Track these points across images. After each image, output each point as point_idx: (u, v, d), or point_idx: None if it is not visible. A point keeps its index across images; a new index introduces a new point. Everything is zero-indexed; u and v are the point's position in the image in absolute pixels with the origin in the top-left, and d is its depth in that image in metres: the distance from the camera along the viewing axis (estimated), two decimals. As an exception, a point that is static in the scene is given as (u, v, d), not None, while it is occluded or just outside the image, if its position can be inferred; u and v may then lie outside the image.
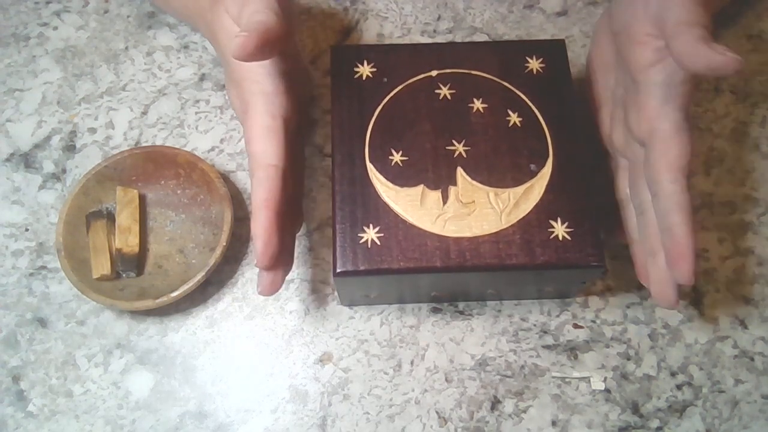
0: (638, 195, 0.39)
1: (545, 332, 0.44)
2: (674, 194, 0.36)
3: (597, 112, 0.44)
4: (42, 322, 0.44)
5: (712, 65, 0.33)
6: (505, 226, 0.38)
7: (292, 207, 0.40)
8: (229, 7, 0.39)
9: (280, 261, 0.37)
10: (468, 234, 0.38)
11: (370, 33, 0.53)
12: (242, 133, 0.49)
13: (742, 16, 0.54)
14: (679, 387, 0.42)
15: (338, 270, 0.37)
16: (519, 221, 0.38)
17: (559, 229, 0.38)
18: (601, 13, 0.45)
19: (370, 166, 0.39)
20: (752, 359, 0.43)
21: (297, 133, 0.41)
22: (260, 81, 0.38)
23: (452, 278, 0.39)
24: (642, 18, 0.38)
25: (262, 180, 0.36)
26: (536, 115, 0.41)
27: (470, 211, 0.38)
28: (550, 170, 0.39)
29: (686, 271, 0.35)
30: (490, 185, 0.39)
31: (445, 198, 0.39)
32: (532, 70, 0.42)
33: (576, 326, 0.44)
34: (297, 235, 0.46)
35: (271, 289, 0.37)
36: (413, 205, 0.38)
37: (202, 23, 0.45)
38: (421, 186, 0.39)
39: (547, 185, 0.39)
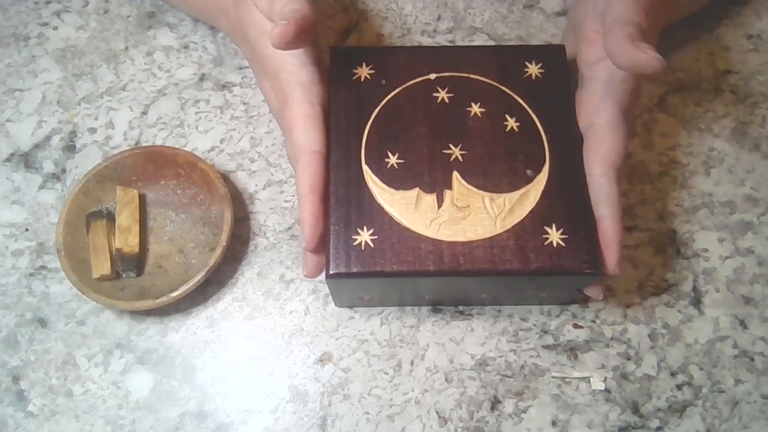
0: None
1: (545, 332, 0.44)
2: (602, 187, 0.38)
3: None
4: (42, 322, 0.44)
5: (634, 62, 0.35)
6: (499, 231, 0.38)
7: None
8: (258, 2, 0.40)
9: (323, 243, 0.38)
10: (462, 238, 0.37)
11: (370, 33, 0.53)
12: (241, 133, 0.49)
13: (742, 16, 0.54)
14: (679, 387, 0.42)
15: (331, 271, 0.37)
16: (514, 227, 0.38)
17: (554, 236, 0.38)
18: (568, 14, 0.46)
19: (365, 168, 0.39)
20: (752, 359, 0.43)
21: None
22: (296, 71, 0.40)
23: (446, 282, 0.39)
24: (591, 15, 0.40)
25: (307, 166, 0.38)
26: (534, 121, 0.41)
27: (465, 215, 0.38)
28: (546, 176, 0.39)
29: (611, 262, 0.37)
30: (486, 190, 0.39)
31: (440, 202, 0.38)
32: (531, 75, 0.42)
33: (576, 326, 0.44)
34: (295, 234, 0.46)
35: (317, 271, 0.39)
36: (408, 208, 0.38)
37: (224, 21, 0.46)
38: (417, 189, 0.39)
39: (543, 191, 0.39)
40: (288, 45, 0.36)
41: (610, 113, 0.39)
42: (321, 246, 0.38)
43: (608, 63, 0.38)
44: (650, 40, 0.37)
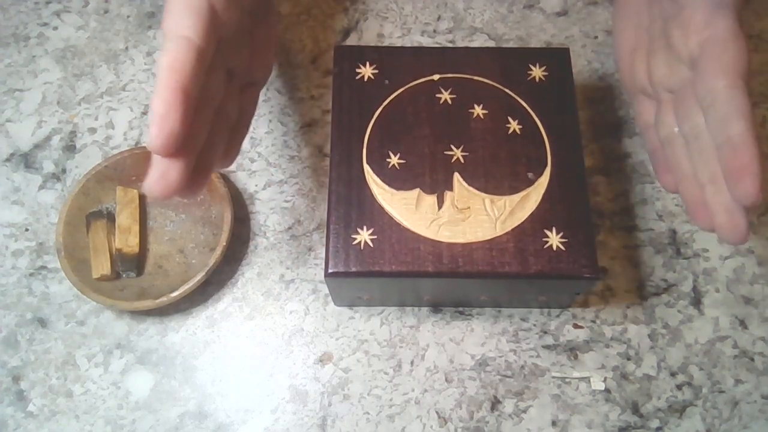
0: (689, 119, 0.36)
1: (545, 332, 0.44)
2: (733, 100, 0.33)
3: (630, 58, 0.42)
4: (42, 322, 0.44)
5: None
6: (499, 234, 0.38)
7: (222, 127, 0.37)
8: None
9: (182, 156, 0.31)
10: (462, 240, 0.37)
11: (370, 33, 0.53)
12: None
13: (742, 16, 0.53)
14: (679, 387, 0.42)
15: (330, 270, 0.37)
16: (514, 229, 0.38)
17: (554, 239, 0.38)
18: None
19: (367, 168, 0.39)
20: (752, 359, 0.43)
21: (239, 40, 0.37)
22: None
23: (444, 283, 0.39)
24: None
25: (169, 50, 0.31)
26: (536, 124, 0.41)
27: (465, 217, 0.38)
28: (547, 179, 0.39)
29: (751, 187, 0.31)
30: (487, 192, 0.39)
31: (440, 203, 0.38)
32: (534, 77, 0.42)
33: (576, 326, 0.44)
34: (295, 234, 0.46)
35: (161, 185, 0.31)
36: (408, 209, 0.38)
37: None
38: (417, 190, 0.39)
39: (544, 194, 0.39)
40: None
41: (726, 23, 0.34)
42: (171, 149, 0.30)
43: None
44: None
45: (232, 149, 0.39)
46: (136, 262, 0.44)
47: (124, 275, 0.44)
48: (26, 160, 0.49)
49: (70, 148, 0.49)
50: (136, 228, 0.45)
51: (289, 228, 0.47)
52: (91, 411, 0.42)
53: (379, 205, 0.38)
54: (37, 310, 0.44)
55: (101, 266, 0.43)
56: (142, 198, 0.46)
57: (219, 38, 0.34)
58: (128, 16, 0.54)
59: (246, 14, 0.38)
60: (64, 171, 0.48)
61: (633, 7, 0.43)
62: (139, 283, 0.44)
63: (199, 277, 0.42)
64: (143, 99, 0.51)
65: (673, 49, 0.38)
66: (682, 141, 0.38)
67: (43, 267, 0.46)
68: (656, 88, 0.40)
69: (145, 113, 0.50)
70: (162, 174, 0.31)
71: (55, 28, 0.53)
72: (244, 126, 0.40)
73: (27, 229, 0.47)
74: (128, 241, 0.44)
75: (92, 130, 0.50)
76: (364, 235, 0.37)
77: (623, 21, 0.44)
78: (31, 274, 0.45)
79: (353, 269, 0.37)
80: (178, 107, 0.30)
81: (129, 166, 0.46)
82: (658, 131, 0.40)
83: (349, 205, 0.38)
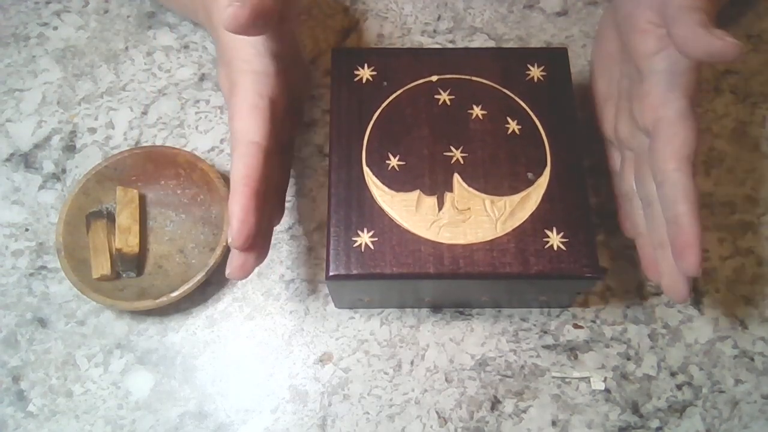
0: (644, 186, 0.39)
1: (545, 332, 0.44)
2: (679, 183, 0.35)
3: (601, 105, 0.44)
4: (42, 322, 0.44)
5: (711, 51, 0.33)
6: (500, 234, 0.38)
7: (273, 196, 0.40)
8: None
9: (255, 245, 0.36)
10: (462, 241, 0.37)
11: (370, 33, 0.53)
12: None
13: (742, 16, 0.54)
14: (679, 387, 0.42)
15: (331, 273, 0.37)
16: (514, 230, 0.38)
17: (555, 239, 0.38)
18: (605, 7, 0.45)
19: (366, 170, 0.39)
20: (752, 359, 0.43)
21: (286, 121, 0.40)
22: (250, 60, 0.38)
23: (446, 285, 0.39)
24: (644, 6, 0.38)
25: (243, 156, 0.36)
26: (535, 124, 0.41)
27: (465, 218, 0.38)
28: (547, 179, 0.39)
29: (693, 263, 0.34)
30: (487, 193, 0.39)
31: (440, 204, 0.38)
32: (533, 78, 0.42)
33: (576, 326, 0.44)
34: (295, 235, 0.46)
35: (241, 273, 0.36)
36: (408, 211, 0.38)
37: (201, 10, 0.44)
38: (417, 191, 0.39)
39: (544, 194, 0.39)
40: (240, 29, 0.33)
41: (678, 104, 0.36)
42: (249, 244, 0.35)
43: (669, 53, 0.36)
44: (713, 21, 0.34)
45: (280, 204, 0.43)
46: (136, 262, 0.44)
47: (124, 275, 0.44)
48: (26, 160, 0.49)
49: (70, 148, 0.49)
50: (136, 228, 0.45)
51: (289, 228, 0.47)
52: (91, 411, 0.42)
53: (379, 207, 0.38)
54: (37, 310, 0.44)
55: (101, 266, 0.43)
56: (142, 198, 0.46)
57: (279, 130, 0.38)
58: (128, 16, 0.54)
59: (294, 95, 0.41)
60: (64, 171, 0.48)
61: (608, 57, 0.44)
62: (139, 283, 0.44)
63: (199, 277, 0.42)
64: (143, 99, 0.51)
65: (634, 115, 0.39)
66: (639, 201, 0.40)
67: (43, 267, 0.46)
68: (620, 144, 0.42)
69: (145, 113, 0.50)
70: (242, 264, 0.36)
71: (55, 28, 0.53)
72: (287, 181, 0.44)
73: (27, 229, 0.47)
74: (128, 241, 0.44)
75: (92, 130, 0.50)
76: (364, 238, 0.37)
77: (599, 68, 0.45)
78: (31, 274, 0.45)
79: (354, 272, 0.37)
80: (254, 211, 0.35)
81: (129, 166, 0.46)
82: (620, 183, 0.42)
83: (349, 207, 0.38)
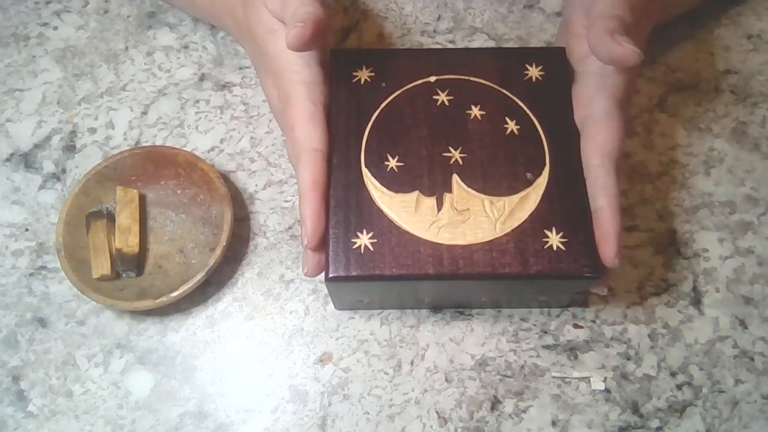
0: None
1: (545, 332, 0.44)
2: (599, 177, 0.38)
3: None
4: (42, 322, 0.44)
5: (612, 55, 0.37)
6: (499, 235, 0.38)
7: None
8: (269, 2, 0.40)
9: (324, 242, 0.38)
10: (462, 242, 0.37)
11: (370, 33, 0.53)
12: (241, 133, 0.49)
13: (742, 16, 0.54)
14: (679, 387, 0.42)
15: (330, 275, 0.37)
16: (513, 230, 0.38)
17: (554, 239, 0.38)
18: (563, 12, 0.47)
19: (365, 171, 0.39)
20: (752, 359, 0.43)
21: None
22: (300, 71, 0.40)
23: (445, 286, 0.39)
24: (578, 11, 0.42)
25: (309, 163, 0.38)
26: (534, 124, 0.41)
27: (465, 218, 0.38)
28: (546, 179, 0.39)
29: (610, 254, 0.37)
30: (486, 193, 0.39)
31: (439, 205, 0.38)
32: (531, 77, 0.42)
33: (576, 326, 0.44)
34: (295, 235, 0.46)
35: (317, 270, 0.38)
36: (407, 212, 0.38)
37: (230, 20, 0.46)
38: (416, 192, 0.39)
39: (543, 194, 0.39)
40: (303, 46, 0.37)
41: (603, 104, 0.39)
42: (322, 244, 0.38)
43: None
44: (637, 36, 0.37)
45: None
46: (136, 262, 0.44)
47: (124, 275, 0.44)
48: (26, 160, 0.49)
49: (70, 148, 0.49)
50: (136, 228, 0.45)
51: (289, 228, 0.47)
52: (91, 411, 0.42)
53: (379, 209, 0.38)
54: (37, 310, 0.44)
55: (101, 266, 0.43)
56: (142, 198, 0.46)
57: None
58: (128, 16, 0.54)
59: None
60: (64, 171, 0.48)
61: (561, 42, 0.45)
62: (139, 283, 0.44)
63: (199, 277, 0.42)
64: (143, 99, 0.51)
65: (575, 112, 0.41)
66: None
67: (43, 267, 0.46)
68: None
69: (145, 113, 0.50)
70: (317, 263, 0.38)
71: (55, 28, 0.53)
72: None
73: (27, 229, 0.47)
74: (128, 241, 0.44)
75: (92, 130, 0.50)
76: (363, 239, 0.37)
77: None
78: (31, 274, 0.45)
79: (354, 273, 0.37)
80: (323, 214, 0.38)
81: (129, 166, 0.46)
82: None
83: (348, 208, 0.38)
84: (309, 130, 0.39)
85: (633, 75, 0.41)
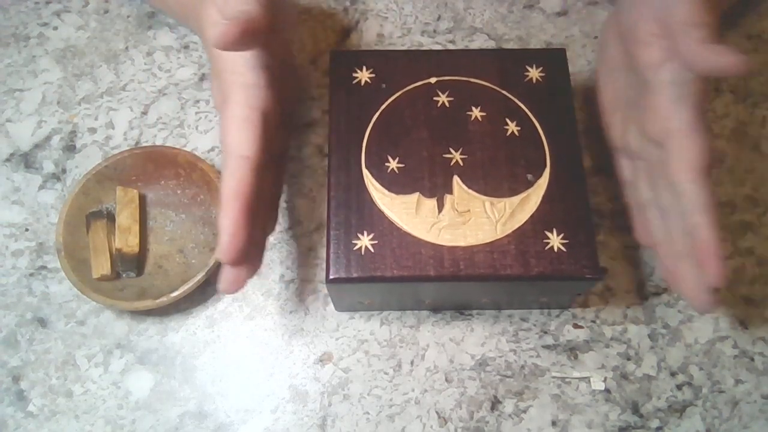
0: (661, 197, 0.39)
1: (545, 332, 0.44)
2: (694, 195, 0.35)
3: (609, 114, 0.43)
4: (42, 322, 0.44)
5: (715, 67, 0.33)
6: (500, 236, 0.38)
7: (266, 206, 0.40)
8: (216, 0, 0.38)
9: (247, 258, 0.36)
10: (463, 243, 0.37)
11: (370, 33, 0.53)
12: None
13: (743, 16, 0.54)
14: (679, 387, 0.42)
15: (331, 276, 0.37)
16: (514, 231, 0.38)
17: (555, 240, 0.38)
18: (607, 16, 0.45)
19: (366, 173, 0.39)
20: (752, 359, 0.43)
21: (279, 131, 0.40)
22: (241, 73, 0.37)
23: (446, 287, 0.39)
24: (646, 18, 0.38)
25: (233, 171, 0.36)
26: (534, 125, 0.41)
27: (465, 220, 0.38)
28: (547, 181, 0.39)
29: (715, 273, 0.34)
30: (486, 194, 0.39)
31: (440, 206, 0.38)
32: (531, 79, 0.42)
33: (576, 326, 0.44)
34: (295, 234, 0.46)
35: (234, 287, 0.36)
36: (408, 213, 0.38)
37: (193, 18, 0.44)
38: (417, 194, 0.39)
39: (544, 196, 0.39)
40: (229, 45, 0.34)
41: (686, 116, 0.36)
42: (240, 259, 0.35)
43: (673, 64, 0.36)
44: (716, 34, 0.35)
45: (273, 214, 0.43)
46: (136, 262, 0.44)
47: (124, 275, 0.44)
48: (26, 160, 0.49)
49: (70, 148, 0.49)
50: (136, 228, 0.45)
51: (289, 228, 0.47)
52: (91, 411, 0.42)
53: (379, 210, 0.38)
54: (37, 310, 0.44)
55: (101, 266, 0.43)
56: (142, 198, 0.46)
57: (271, 142, 0.38)
58: (128, 16, 0.54)
59: (286, 105, 0.41)
60: (64, 171, 0.48)
61: (612, 66, 0.43)
62: (139, 283, 0.44)
63: (199, 277, 0.42)
64: (143, 99, 0.51)
65: (643, 126, 0.39)
66: (654, 211, 0.40)
67: (43, 267, 0.46)
68: (631, 154, 0.42)
69: (145, 113, 0.50)
70: (234, 279, 0.36)
71: (55, 28, 0.53)
72: (280, 190, 0.44)
73: (27, 229, 0.47)
74: (128, 241, 0.44)
75: (92, 130, 0.50)
76: (364, 241, 0.37)
77: (604, 77, 0.44)
78: (31, 274, 0.45)
79: (355, 275, 0.37)
80: (245, 226, 0.35)
81: (129, 166, 0.46)
82: (635, 193, 0.42)
83: (348, 210, 0.38)
84: (239, 136, 0.36)
85: (709, 83, 0.39)
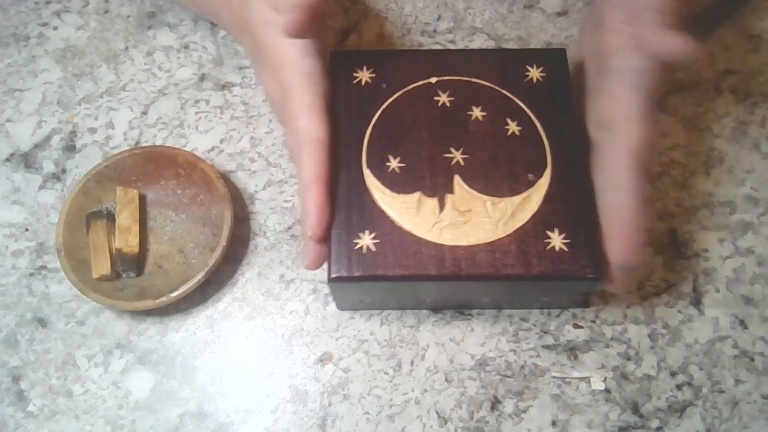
0: (597, 178, 0.39)
1: (545, 332, 0.44)
2: (626, 179, 0.37)
3: (582, 103, 0.43)
4: (42, 322, 0.44)
5: (671, 51, 0.35)
6: (501, 236, 0.38)
7: None
8: None
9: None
10: (464, 243, 0.37)
11: (370, 33, 0.53)
12: (241, 133, 0.49)
13: (742, 16, 0.54)
14: (679, 387, 0.42)
15: (332, 275, 0.37)
16: (515, 231, 0.38)
17: (556, 240, 0.37)
18: (588, 7, 0.46)
19: (366, 172, 0.39)
20: (752, 359, 0.43)
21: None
22: (299, 62, 0.39)
23: (447, 287, 0.39)
24: (615, 5, 0.40)
25: (311, 153, 0.38)
26: (535, 125, 0.40)
27: (467, 219, 0.38)
28: (548, 180, 0.39)
29: (631, 252, 0.36)
30: (487, 194, 0.39)
31: (441, 206, 0.38)
32: (532, 78, 0.42)
33: (576, 326, 0.44)
34: (295, 234, 0.46)
35: (319, 262, 0.38)
36: (409, 213, 0.38)
37: (226, 14, 0.45)
38: (418, 193, 0.39)
39: (545, 195, 0.39)
40: (300, 33, 0.37)
41: (639, 102, 0.37)
42: (326, 236, 0.37)
43: (634, 52, 0.37)
44: (681, 22, 0.36)
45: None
46: (136, 262, 0.44)
47: (124, 275, 0.44)
48: (26, 160, 0.49)
49: (70, 148, 0.49)
50: (136, 228, 0.45)
51: (289, 228, 0.47)
52: (91, 411, 0.42)
53: (380, 210, 0.38)
54: (37, 310, 0.44)
55: (101, 266, 0.43)
56: (142, 198, 0.46)
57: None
58: (128, 16, 0.54)
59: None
60: (64, 171, 0.48)
61: (587, 54, 0.43)
62: (139, 283, 0.44)
63: (199, 277, 0.42)
64: (143, 99, 0.51)
65: (599, 110, 0.40)
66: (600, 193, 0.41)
67: (43, 267, 0.46)
68: (592, 138, 0.42)
69: (145, 113, 0.50)
70: (318, 255, 0.38)
71: (55, 28, 0.53)
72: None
73: (27, 229, 0.47)
74: (128, 241, 0.44)
75: (92, 130, 0.50)
76: (366, 240, 0.37)
77: (579, 66, 0.44)
78: (31, 274, 0.45)
79: (356, 274, 0.37)
80: (328, 205, 0.37)
81: (129, 166, 0.46)
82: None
83: (350, 209, 0.38)
84: (311, 121, 0.38)
85: (668, 73, 0.39)
